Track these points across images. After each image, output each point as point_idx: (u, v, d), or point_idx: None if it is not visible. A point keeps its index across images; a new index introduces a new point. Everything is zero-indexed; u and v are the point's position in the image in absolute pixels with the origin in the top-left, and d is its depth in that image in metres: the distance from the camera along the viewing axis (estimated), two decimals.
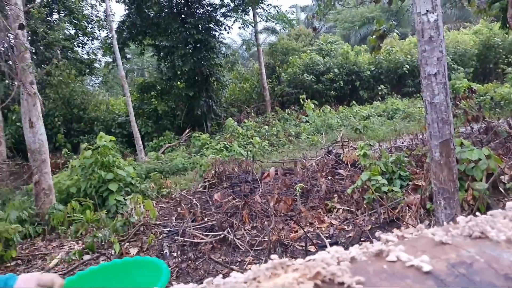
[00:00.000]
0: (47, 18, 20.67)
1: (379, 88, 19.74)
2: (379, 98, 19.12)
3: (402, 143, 9.32)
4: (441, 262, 0.53)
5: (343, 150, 7.66)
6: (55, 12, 21.94)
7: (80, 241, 6.06)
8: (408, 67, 19.91)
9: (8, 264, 5.63)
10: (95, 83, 30.57)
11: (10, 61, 5.83)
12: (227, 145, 13.62)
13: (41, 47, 19.34)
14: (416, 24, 3.09)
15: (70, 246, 6.05)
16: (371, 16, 28.92)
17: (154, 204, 7.61)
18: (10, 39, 6.02)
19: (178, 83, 19.77)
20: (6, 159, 13.50)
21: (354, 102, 18.64)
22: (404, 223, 4.14)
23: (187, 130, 17.81)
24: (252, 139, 13.91)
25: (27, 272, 5.45)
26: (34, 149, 7.03)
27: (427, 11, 2.98)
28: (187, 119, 19.44)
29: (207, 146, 14.28)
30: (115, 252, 5.17)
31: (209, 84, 19.29)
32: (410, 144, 7.89)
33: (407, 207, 4.76)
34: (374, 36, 10.50)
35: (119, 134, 18.27)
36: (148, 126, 19.23)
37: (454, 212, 3.07)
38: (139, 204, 5.99)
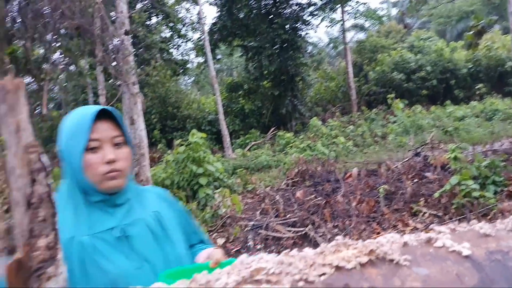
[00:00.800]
0: (146, 22, 22.39)
1: (477, 87, 18.32)
2: (477, 98, 17.75)
3: (501, 146, 8.65)
4: (481, 250, 0.63)
5: (432, 152, 7.35)
6: (153, 16, 23.71)
7: None
8: (511, 64, 18.22)
9: None
10: (187, 83, 32.40)
11: (115, 63, 6.50)
12: (310, 145, 13.69)
13: (141, 49, 21.01)
14: (510, 23, 2.94)
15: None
16: (470, 10, 26.86)
17: (240, 199, 7.99)
18: (116, 43, 6.67)
19: (265, 82, 20.24)
20: None
21: (448, 102, 17.53)
22: None
23: (272, 129, 18.16)
24: (336, 139, 13.81)
25: None
26: (134, 144, 7.77)
27: None
28: (272, 118, 19.83)
29: (291, 144, 14.48)
30: None
31: (295, 83, 19.47)
32: (510, 148, 7.32)
33: (500, 214, 4.49)
34: (471, 32, 9.86)
35: (208, 131, 19.23)
36: (235, 124, 19.98)
37: None
38: (227, 198, 6.35)
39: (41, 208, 0.88)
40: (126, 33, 6.18)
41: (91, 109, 1.20)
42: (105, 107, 1.22)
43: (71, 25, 4.67)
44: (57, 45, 5.05)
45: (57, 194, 1.21)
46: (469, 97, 18.44)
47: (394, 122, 15.32)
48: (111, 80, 19.82)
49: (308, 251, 0.73)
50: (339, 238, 0.72)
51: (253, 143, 16.98)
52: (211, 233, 5.97)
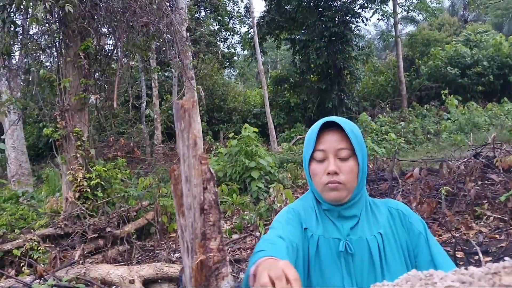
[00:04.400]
0: (195, 15, 22.72)
1: None
2: None
3: None
4: None
5: (494, 153, 7.06)
6: (202, 9, 24.05)
7: (228, 221, 6.75)
8: None
9: (171, 235, 6.56)
10: (233, 75, 32.69)
11: (177, 59, 6.68)
12: None
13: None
14: None
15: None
16: None
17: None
18: (177, 39, 6.82)
19: (311, 76, 20.08)
20: (161, 143, 15.42)
21: (505, 99, 16.70)
22: None
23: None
24: (387, 135, 13.53)
25: None
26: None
27: None
28: (317, 112, 19.67)
29: None
30: (260, 234, 5.68)
31: (342, 77, 19.19)
32: None
33: None
34: None
35: (253, 124, 19.25)
36: (280, 117, 20.00)
37: None
38: (281, 192, 6.41)
39: (211, 214, 0.96)
40: (188, 29, 6.34)
41: (321, 121, 1.25)
42: (335, 118, 1.23)
43: (141, 22, 4.86)
44: (126, 41, 5.27)
45: (308, 194, 1.35)
46: None
47: (448, 119, 14.81)
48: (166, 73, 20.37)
49: (475, 269, 0.75)
50: (507, 259, 0.74)
51: (298, 137, 16.93)
52: (266, 227, 6.06)
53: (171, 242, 6.39)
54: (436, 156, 10.13)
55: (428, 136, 13.56)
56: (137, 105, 16.84)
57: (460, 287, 0.71)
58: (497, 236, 4.76)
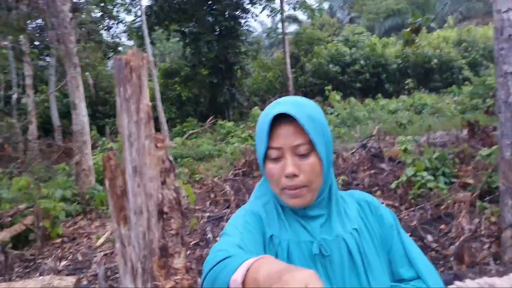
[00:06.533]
0: (74, 0, 20.78)
1: (406, 82, 19.51)
2: (406, 92, 18.91)
3: (434, 139, 9.23)
4: None
5: (379, 144, 7.65)
6: None
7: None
8: (436, 61, 19.60)
9: (55, 241, 5.80)
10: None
11: (58, 43, 5.91)
12: (252, 134, 13.65)
13: None
14: (495, 21, 3.06)
15: (113, 226, 6.20)
16: (397, 8, 28.43)
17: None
18: (59, 20, 6.06)
19: (203, 70, 19.82)
20: (37, 138, 13.76)
21: (379, 95, 18.46)
22: (459, 221, 4.14)
23: (211, 118, 17.90)
24: None
25: (74, 249, 5.63)
26: (76, 131, 7.18)
27: (509, 8, 2.94)
28: (210, 107, 19.52)
29: (232, 134, 14.36)
30: None
31: (233, 72, 19.28)
32: (448, 141, 7.83)
33: (454, 205, 4.75)
34: (408, 30, 10.36)
35: None
36: (171, 112, 19.38)
37: None
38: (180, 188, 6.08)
39: (173, 219, 0.67)
40: (74, 10, 5.62)
41: (272, 110, 0.99)
42: (286, 104, 0.99)
43: None
44: None
45: (267, 189, 1.10)
46: (398, 91, 19.57)
47: (331, 113, 15.79)
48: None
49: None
50: None
51: (190, 131, 16.59)
52: None
53: (54, 250, 5.65)
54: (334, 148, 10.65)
55: None
56: (7, 96, 14.84)
57: None
58: None
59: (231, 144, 12.92)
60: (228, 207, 7.01)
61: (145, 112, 0.65)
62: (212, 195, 7.96)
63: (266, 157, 1.02)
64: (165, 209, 0.66)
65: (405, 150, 6.22)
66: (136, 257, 0.64)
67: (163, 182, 0.67)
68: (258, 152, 1.04)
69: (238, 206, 6.92)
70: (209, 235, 5.41)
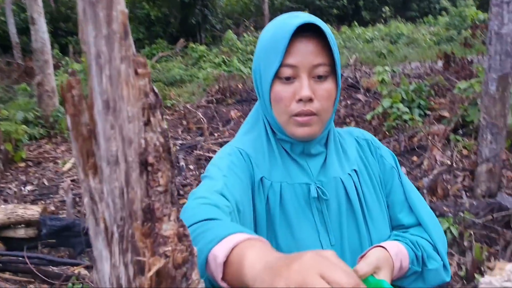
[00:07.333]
0: None
1: (383, 9, 19.03)
2: (382, 21, 18.51)
3: (411, 70, 9.17)
4: None
5: (355, 74, 7.52)
6: None
7: None
8: None
9: (19, 165, 5.58)
10: None
11: None
12: (225, 60, 13.19)
13: None
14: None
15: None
16: None
17: None
18: None
19: None
20: None
21: (355, 23, 18.02)
22: (432, 153, 4.18)
23: (182, 40, 17.09)
24: (252, 55, 13.48)
25: (40, 174, 5.43)
26: (36, 48, 6.65)
27: None
28: (180, 28, 18.58)
29: (204, 59, 13.83)
30: None
31: None
32: (423, 73, 7.79)
33: (427, 137, 4.79)
34: None
35: None
36: (139, 32, 18.39)
37: (499, 147, 3.09)
38: None
39: (161, 171, 0.51)
40: None
41: (293, 21, 0.81)
42: (312, 20, 0.81)
43: None
44: None
45: (257, 122, 0.96)
46: (374, 20, 19.15)
47: None
48: None
49: None
50: None
51: (160, 54, 15.87)
52: None
53: (19, 174, 5.45)
54: None
55: None
56: None
57: None
58: None
59: (203, 69, 12.49)
60: (201, 135, 6.88)
61: (120, 22, 0.44)
62: (185, 122, 7.78)
63: (274, 77, 0.85)
64: (150, 159, 0.47)
65: (382, 81, 6.13)
66: (111, 217, 0.47)
67: (146, 123, 0.47)
68: (262, 70, 0.88)
69: (211, 134, 6.80)
70: (182, 163, 5.31)
